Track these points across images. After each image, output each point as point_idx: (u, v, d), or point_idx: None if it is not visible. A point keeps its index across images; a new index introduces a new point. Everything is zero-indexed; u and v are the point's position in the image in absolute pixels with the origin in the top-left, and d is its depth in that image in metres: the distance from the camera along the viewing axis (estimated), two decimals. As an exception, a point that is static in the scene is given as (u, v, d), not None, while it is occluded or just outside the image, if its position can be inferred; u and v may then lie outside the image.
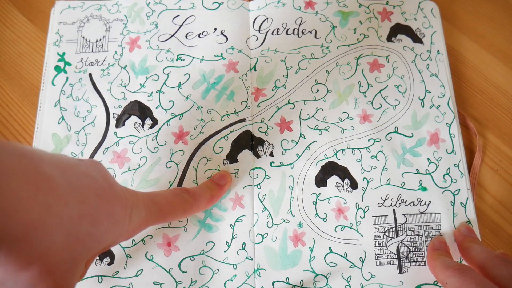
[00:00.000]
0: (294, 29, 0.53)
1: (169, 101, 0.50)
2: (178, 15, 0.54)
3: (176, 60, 0.52)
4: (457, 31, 0.55)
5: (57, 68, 0.52)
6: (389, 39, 0.53)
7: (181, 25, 0.54)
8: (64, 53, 0.53)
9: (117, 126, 0.50)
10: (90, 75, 0.52)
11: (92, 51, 0.53)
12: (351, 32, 0.53)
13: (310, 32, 0.53)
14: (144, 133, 0.49)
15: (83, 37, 0.54)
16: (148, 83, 0.51)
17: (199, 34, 0.53)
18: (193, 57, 0.52)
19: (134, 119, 0.50)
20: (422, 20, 0.53)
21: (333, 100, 0.50)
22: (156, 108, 0.50)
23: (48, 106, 0.51)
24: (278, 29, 0.53)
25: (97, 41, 0.54)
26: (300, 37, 0.53)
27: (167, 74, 0.51)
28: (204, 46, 0.53)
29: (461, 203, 0.45)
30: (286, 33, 0.53)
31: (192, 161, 0.48)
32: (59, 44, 0.53)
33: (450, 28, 0.55)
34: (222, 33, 0.53)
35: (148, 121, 0.50)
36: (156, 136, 0.49)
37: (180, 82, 0.51)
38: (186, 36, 0.53)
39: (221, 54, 0.52)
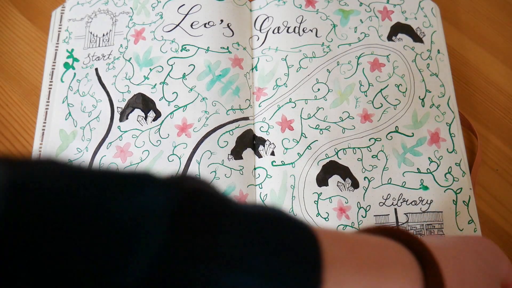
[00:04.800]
0: (295, 27, 0.53)
1: (172, 93, 0.50)
2: (184, 4, 0.54)
3: (181, 50, 0.52)
4: (457, 31, 0.55)
5: (66, 65, 0.52)
6: (389, 38, 0.53)
7: (186, 15, 0.54)
8: (72, 50, 0.53)
9: (121, 120, 0.49)
10: (96, 69, 0.52)
11: (99, 46, 0.53)
12: (351, 31, 0.53)
13: (311, 31, 0.53)
14: (147, 126, 0.49)
15: (91, 33, 0.54)
16: (152, 75, 0.51)
17: (205, 24, 0.53)
18: (198, 47, 0.52)
19: (137, 112, 0.50)
20: (422, 20, 0.54)
21: (334, 99, 0.50)
22: (160, 100, 0.50)
23: (57, 103, 0.51)
24: (278, 27, 0.53)
25: (103, 35, 0.54)
26: (301, 35, 0.53)
27: (171, 65, 0.51)
28: (210, 37, 0.52)
29: (463, 201, 0.46)
30: (287, 31, 0.53)
31: (195, 155, 0.47)
32: (68, 41, 0.53)
33: (450, 28, 0.55)
34: (228, 26, 0.53)
35: (151, 114, 0.49)
36: (159, 129, 0.49)
37: (184, 73, 0.51)
38: (192, 25, 0.53)
39: (227, 47, 0.52)
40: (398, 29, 0.53)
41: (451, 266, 0.26)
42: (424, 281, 0.24)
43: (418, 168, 0.47)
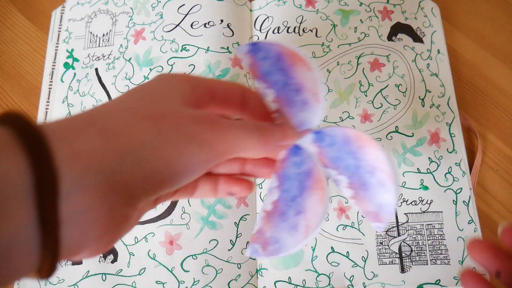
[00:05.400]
0: (295, 27, 0.53)
1: None
2: (184, 4, 0.54)
3: (181, 50, 0.52)
4: (457, 31, 0.55)
5: (66, 65, 0.52)
6: (389, 38, 0.53)
7: (186, 15, 0.54)
8: (72, 50, 0.53)
9: None
10: (96, 69, 0.52)
11: (99, 46, 0.53)
12: (351, 31, 0.53)
13: (311, 31, 0.53)
14: None
15: (91, 33, 0.54)
16: (152, 74, 0.51)
17: (205, 24, 0.53)
18: (199, 47, 0.52)
19: None
20: (422, 20, 0.54)
21: (334, 99, 0.50)
22: None
23: (57, 103, 0.51)
24: (279, 27, 0.53)
25: (103, 35, 0.54)
26: (301, 35, 0.53)
27: (171, 65, 0.51)
28: (210, 37, 0.52)
29: (463, 201, 0.46)
30: (287, 31, 0.53)
31: None
32: (68, 41, 0.53)
33: (450, 28, 0.55)
34: (228, 26, 0.53)
35: None
36: None
37: (184, 73, 0.51)
38: (192, 25, 0.53)
39: (227, 47, 0.52)
40: (398, 29, 0.53)
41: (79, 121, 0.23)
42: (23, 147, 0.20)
43: (418, 168, 0.47)
